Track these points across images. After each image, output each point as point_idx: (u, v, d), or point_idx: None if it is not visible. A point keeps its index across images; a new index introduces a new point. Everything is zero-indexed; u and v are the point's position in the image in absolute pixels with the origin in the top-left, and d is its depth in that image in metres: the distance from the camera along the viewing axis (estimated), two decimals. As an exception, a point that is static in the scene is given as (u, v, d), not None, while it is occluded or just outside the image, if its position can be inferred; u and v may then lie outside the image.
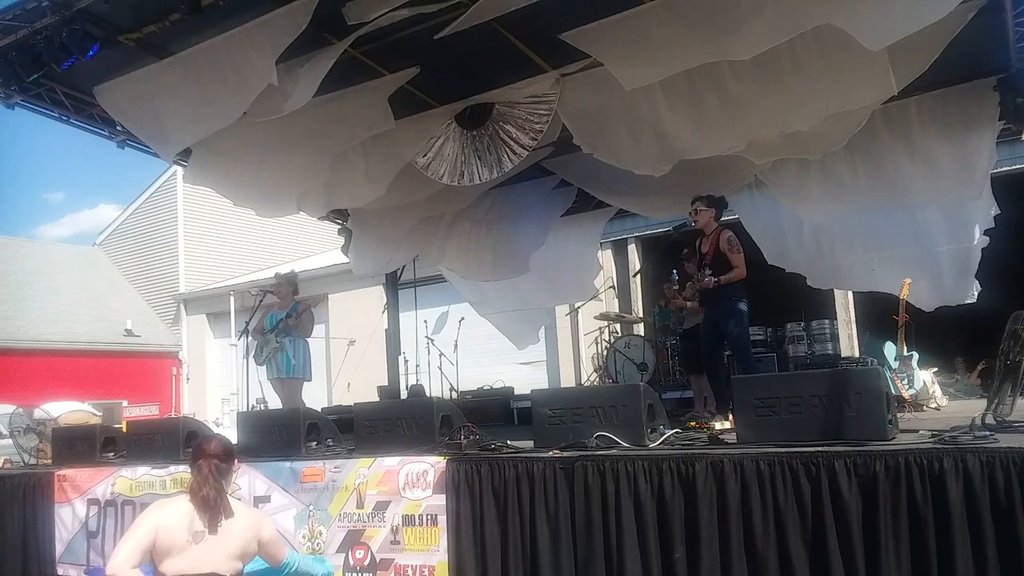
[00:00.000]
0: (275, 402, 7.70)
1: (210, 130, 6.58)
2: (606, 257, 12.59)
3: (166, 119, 6.76)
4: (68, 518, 5.86)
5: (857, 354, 10.84)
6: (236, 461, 3.90)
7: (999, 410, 3.68)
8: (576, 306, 10.25)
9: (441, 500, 4.34)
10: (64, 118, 7.39)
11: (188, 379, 19.64)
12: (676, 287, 8.03)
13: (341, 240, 10.36)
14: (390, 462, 4.58)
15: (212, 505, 3.43)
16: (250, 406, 14.54)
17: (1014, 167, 8.21)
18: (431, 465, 4.43)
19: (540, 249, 9.61)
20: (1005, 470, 2.96)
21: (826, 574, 3.28)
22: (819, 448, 3.41)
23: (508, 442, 4.60)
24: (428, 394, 10.60)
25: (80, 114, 7.51)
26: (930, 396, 6.16)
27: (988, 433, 3.27)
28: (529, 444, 4.55)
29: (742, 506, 3.49)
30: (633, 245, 13.25)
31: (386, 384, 11.47)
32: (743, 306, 5.88)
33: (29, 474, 6.27)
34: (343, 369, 15.27)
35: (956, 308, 7.48)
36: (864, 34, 5.17)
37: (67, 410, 7.60)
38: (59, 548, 5.90)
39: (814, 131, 6.59)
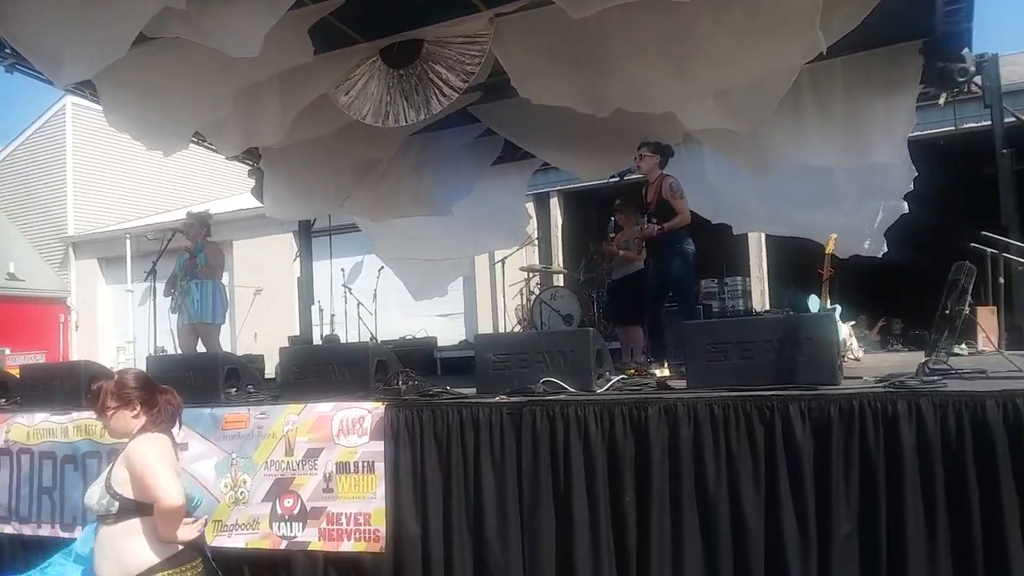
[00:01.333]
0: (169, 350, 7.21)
1: (109, 57, 6.02)
2: (528, 210, 12.48)
3: (63, 42, 6.15)
4: (-46, 468, 5.35)
5: (769, 308, 11.18)
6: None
7: (939, 356, 3.76)
8: (500, 257, 10.10)
9: (379, 447, 4.15)
10: (-56, 39, 6.63)
11: (77, 326, 18.46)
12: (612, 234, 7.99)
13: (247, 183, 9.80)
14: (322, 408, 4.34)
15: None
16: (147, 357, 13.93)
17: (929, 131, 8.49)
18: (368, 411, 4.23)
19: (467, 198, 9.42)
20: (957, 413, 3.01)
21: (777, 518, 3.29)
22: (774, 392, 3.40)
23: (449, 388, 4.44)
24: (344, 344, 10.31)
25: (-43, 32, 6.76)
26: (848, 348, 6.35)
27: (937, 378, 3.32)
28: (467, 392, 4.41)
29: (694, 450, 3.45)
30: (556, 199, 13.18)
31: (297, 334, 11.09)
32: (689, 247, 5.88)
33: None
34: (249, 319, 14.65)
35: (859, 267, 7.75)
36: None
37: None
38: (-54, 499, 5.39)
39: (743, 98, 6.64)
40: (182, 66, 6.78)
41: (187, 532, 3.31)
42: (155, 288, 6.91)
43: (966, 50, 6.90)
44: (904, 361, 5.81)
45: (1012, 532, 2.85)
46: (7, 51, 6.95)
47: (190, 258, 6.84)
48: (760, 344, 3.65)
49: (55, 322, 18.19)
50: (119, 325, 17.93)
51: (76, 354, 17.93)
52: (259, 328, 14.10)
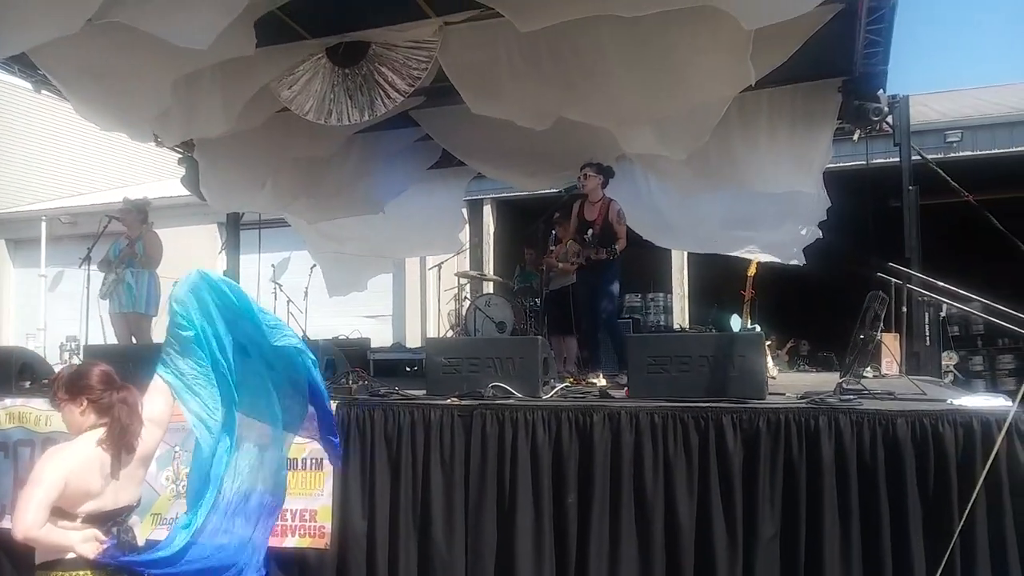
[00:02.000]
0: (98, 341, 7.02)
1: (50, 34, 5.87)
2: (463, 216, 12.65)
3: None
4: None
5: (688, 325, 11.66)
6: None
7: (852, 378, 4.14)
8: (436, 263, 10.22)
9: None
10: None
11: (-20, 311, 17.54)
12: (553, 244, 8.21)
13: (164, 169, 9.61)
14: (272, 404, 4.40)
15: (120, 441, 2.95)
16: (60, 344, 13.34)
17: (843, 164, 9.08)
18: (318, 409, 4.31)
19: (403, 200, 9.51)
20: (871, 430, 3.37)
21: (707, 520, 3.58)
22: (708, 404, 3.69)
23: (398, 389, 4.57)
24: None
25: None
26: (766, 366, 6.78)
27: (852, 397, 3.68)
28: (417, 393, 4.56)
29: (634, 456, 3.71)
30: (489, 206, 13.38)
31: (222, 328, 10.90)
32: (616, 287, 6.22)
33: None
34: (165, 312, 14.27)
35: (770, 290, 8.21)
36: (742, 10, 5.52)
37: None
38: None
39: (678, 126, 7.01)
40: (122, 50, 6.66)
41: (86, 548, 2.88)
42: (89, 275, 6.73)
43: (881, 91, 7.41)
44: (817, 381, 6.24)
45: (915, 538, 3.21)
46: (-67, 21, 6.69)
47: (128, 246, 6.71)
48: (696, 359, 3.95)
49: (-45, 304, 17.26)
50: (28, 311, 17.11)
51: (-24, 339, 17.03)
52: (178, 321, 13.75)
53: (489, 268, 12.70)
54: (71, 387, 3.08)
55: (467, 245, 12.68)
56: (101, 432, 2.94)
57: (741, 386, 3.85)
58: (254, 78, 6.90)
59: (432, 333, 13.16)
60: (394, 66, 7.04)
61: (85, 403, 3.02)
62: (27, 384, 5.22)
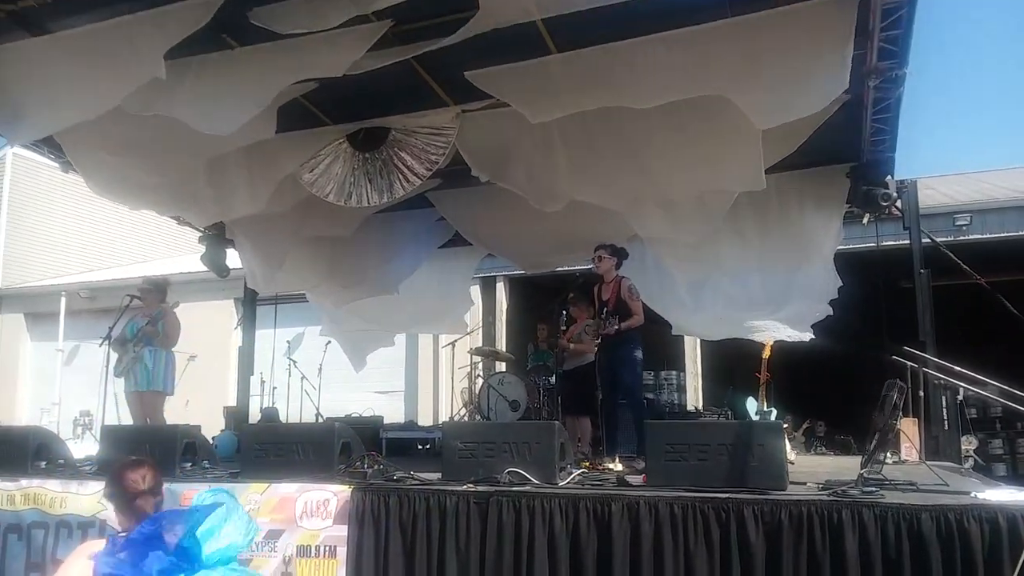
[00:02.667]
0: (111, 419, 7.04)
1: (76, 119, 6.11)
2: (474, 293, 12.72)
3: (29, 102, 6.22)
4: None
5: (702, 405, 11.57)
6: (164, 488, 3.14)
7: (873, 467, 4.10)
8: (449, 341, 10.26)
9: (342, 531, 4.21)
10: (-99, 87, 6.58)
11: (-7, 384, 17.60)
12: (563, 327, 8.25)
13: (181, 245, 9.83)
14: (287, 489, 4.39)
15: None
16: (73, 419, 13.36)
17: (853, 246, 9.16)
18: (334, 494, 4.30)
19: (413, 277, 9.62)
20: (895, 525, 3.32)
21: (730, 615, 3.49)
22: (729, 495, 3.65)
23: (413, 473, 4.55)
24: (284, 419, 10.20)
25: (-78, 82, 6.76)
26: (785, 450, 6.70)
27: (875, 489, 3.64)
28: (427, 476, 4.54)
29: (654, 547, 3.65)
30: (502, 283, 13.49)
31: (233, 404, 10.90)
32: (639, 354, 6.20)
33: None
34: (182, 385, 14.20)
35: (785, 370, 8.14)
36: (754, 112, 5.68)
37: None
38: None
39: (688, 211, 7.15)
40: (151, 137, 6.90)
41: None
42: (108, 353, 6.80)
43: (889, 176, 7.52)
44: (835, 465, 6.19)
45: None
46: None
47: (149, 324, 6.80)
48: (715, 447, 3.92)
49: (-30, 378, 17.33)
50: (43, 385, 17.16)
51: (-10, 413, 17.03)
52: (192, 396, 13.76)
53: (502, 345, 12.72)
54: (105, 488, 3.05)
55: (480, 323, 12.76)
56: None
57: (762, 476, 3.81)
58: (281, 163, 7.10)
59: (444, 410, 13.12)
60: (413, 151, 7.27)
61: (112, 505, 2.99)
62: (43, 464, 5.23)
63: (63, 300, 16.83)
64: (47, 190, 18.37)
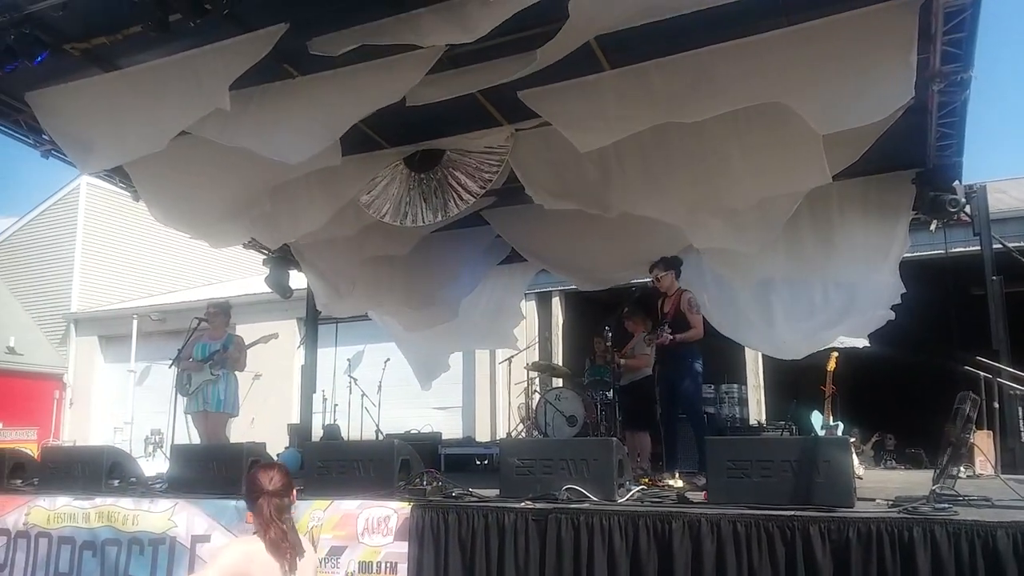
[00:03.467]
0: (181, 437, 7.25)
1: (144, 150, 6.35)
2: (530, 308, 12.76)
3: (98, 134, 6.49)
4: (-32, 549, 5.36)
5: (765, 419, 11.33)
6: (294, 492, 3.29)
7: (945, 483, 3.95)
8: (506, 356, 10.31)
9: (403, 548, 4.25)
10: (-13, 121, 6.96)
11: (71, 404, 18.34)
12: (608, 343, 8.21)
13: (247, 267, 10.10)
14: (348, 505, 4.45)
15: (281, 547, 3.02)
16: (144, 438, 13.83)
17: (921, 253, 8.88)
18: (394, 511, 4.34)
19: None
20: (970, 543, 3.19)
21: (797, 636, 3.40)
22: (794, 512, 3.57)
23: (471, 490, 4.57)
24: (345, 435, 10.36)
25: (6, 119, 7.10)
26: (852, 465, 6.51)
27: (947, 505, 3.51)
28: (485, 492, 4.55)
29: (716, 566, 3.58)
30: (557, 298, 13.49)
31: (297, 422, 11.12)
32: (698, 366, 6.11)
33: (-76, 500, 5.69)
34: (247, 404, 14.61)
35: (852, 382, 7.93)
36: (814, 119, 5.57)
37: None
38: (-48, 582, 5.37)
39: (750, 219, 7.02)
40: (218, 163, 7.13)
41: None
42: (178, 374, 7.05)
43: (957, 182, 7.27)
44: (906, 480, 5.99)
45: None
46: (45, 137, 7.31)
47: (224, 350, 7.05)
48: (779, 464, 3.83)
49: (49, 398, 18.08)
50: (115, 404, 17.83)
51: (67, 432, 17.75)
52: (257, 414, 14.10)
53: (558, 360, 12.70)
54: (245, 489, 3.26)
55: (536, 339, 12.76)
56: (258, 536, 3.06)
57: (828, 493, 3.71)
58: (343, 187, 7.25)
59: (501, 426, 13.14)
60: (467, 170, 7.34)
61: (251, 503, 3.19)
62: (116, 483, 5.42)
63: (135, 323, 17.47)
64: (118, 217, 19.13)
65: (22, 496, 5.42)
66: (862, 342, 8.21)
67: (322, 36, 5.63)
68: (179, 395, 7.22)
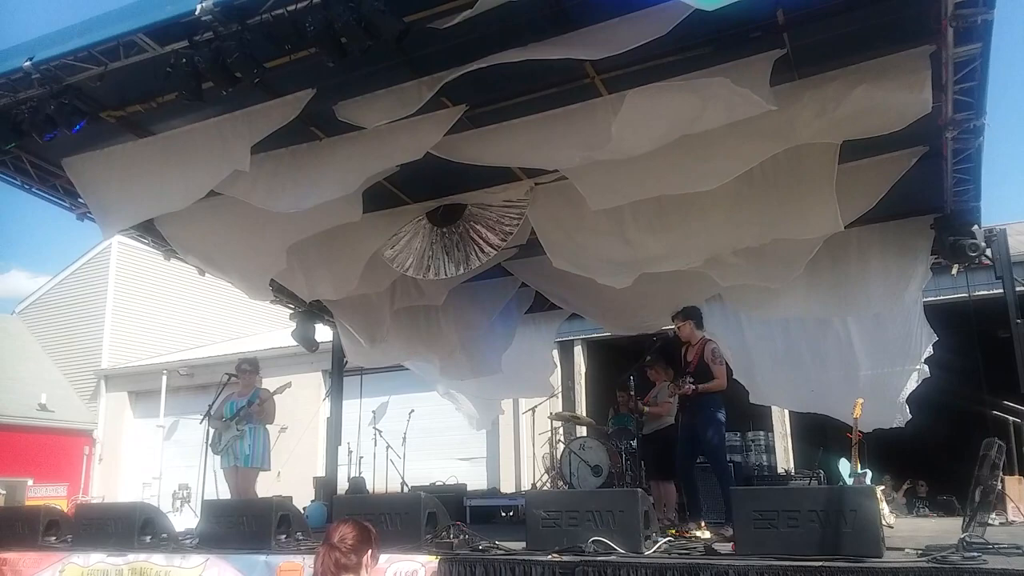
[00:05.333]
0: (203, 492, 7.33)
1: (167, 209, 6.56)
2: (553, 357, 12.78)
3: (126, 196, 6.71)
4: (3, 608, 5.44)
5: (793, 467, 11.19)
6: (371, 554, 3.01)
7: (975, 531, 3.92)
8: (530, 406, 10.36)
9: (428, 601, 4.27)
10: (27, 187, 7.20)
11: (101, 459, 18.53)
12: (632, 392, 8.23)
13: (272, 321, 10.29)
14: (377, 560, 4.48)
15: None
16: (172, 492, 13.89)
17: (944, 297, 8.85)
18: (422, 565, 4.37)
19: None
20: (1000, 591, 3.17)
21: None
22: (822, 563, 3.56)
23: (497, 543, 4.59)
24: (371, 488, 10.38)
25: (44, 184, 7.36)
26: (881, 514, 6.42)
27: (977, 554, 3.49)
28: (511, 544, 4.56)
29: (746, 618, 3.57)
30: (580, 347, 13.53)
31: (322, 475, 11.16)
32: (721, 416, 6.12)
33: (-39, 557, 5.79)
34: (273, 457, 14.75)
35: (883, 431, 7.86)
36: (827, 136, 5.67)
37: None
38: (-12, 641, 5.44)
39: (770, 257, 7.07)
40: (241, 219, 7.35)
41: None
42: (208, 430, 7.17)
43: (976, 226, 7.29)
44: (937, 529, 5.91)
45: None
46: (80, 201, 7.58)
47: (248, 405, 7.16)
48: (805, 513, 3.83)
49: (79, 454, 18.30)
50: (144, 459, 17.99)
51: (96, 487, 17.89)
52: (283, 467, 14.17)
53: (582, 409, 12.69)
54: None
55: (559, 387, 12.77)
56: None
57: (856, 543, 3.70)
58: (366, 243, 7.42)
59: (526, 476, 13.08)
60: (488, 223, 7.50)
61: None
62: (148, 539, 5.49)
63: (164, 378, 17.72)
64: (147, 275, 19.57)
65: (57, 553, 5.50)
66: (901, 421, 8.09)
67: (348, 101, 5.86)
68: (212, 452, 7.32)
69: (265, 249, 7.56)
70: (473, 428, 10.91)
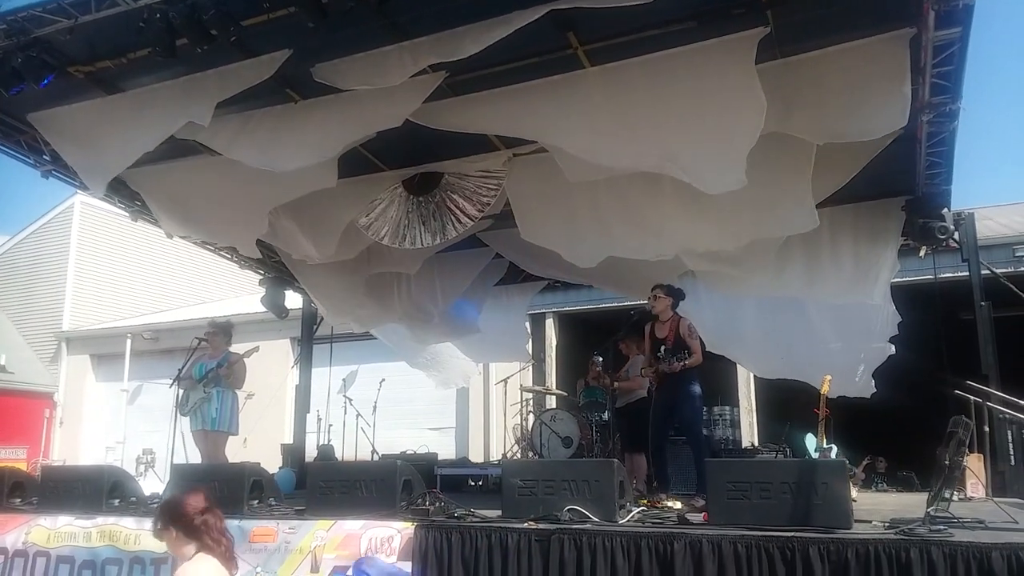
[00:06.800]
0: (172, 457, 7.25)
1: (132, 158, 6.40)
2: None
3: (104, 152, 6.57)
4: (-36, 569, 5.35)
5: (758, 441, 11.40)
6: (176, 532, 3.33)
7: (939, 506, 4.04)
8: (503, 377, 10.38)
9: (406, 567, 4.30)
10: (-11, 143, 7.02)
11: (62, 423, 18.22)
12: (599, 368, 8.30)
13: (240, 287, 10.19)
14: (352, 526, 4.50)
15: (231, 558, 3.25)
16: (136, 457, 13.75)
17: (910, 279, 9.02)
18: (398, 531, 4.39)
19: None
20: (965, 563, 3.28)
21: (796, 657, 3.46)
22: (793, 533, 3.64)
23: (473, 511, 4.62)
24: (340, 456, 10.36)
25: (7, 139, 7.26)
26: (846, 487, 6.58)
27: (943, 527, 3.59)
28: (485, 512, 4.60)
29: (718, 586, 3.65)
30: (551, 319, 13.57)
31: (290, 442, 11.11)
32: (698, 390, 6.19)
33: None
34: (241, 424, 14.62)
35: (843, 406, 8.03)
36: (807, 134, 5.71)
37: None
38: (-54, 603, 5.36)
39: (739, 254, 7.14)
40: (218, 182, 7.24)
41: None
42: (178, 393, 7.08)
43: (945, 209, 7.42)
44: (898, 503, 6.07)
45: None
46: (45, 157, 7.39)
47: (217, 367, 7.07)
48: (778, 485, 3.91)
49: (39, 417, 17.95)
50: (107, 423, 17.73)
51: (57, 451, 17.61)
52: (249, 434, 14.06)
53: (552, 382, 12.75)
54: (162, 518, 3.35)
55: (531, 361, 12.82)
56: (208, 560, 3.19)
57: (826, 514, 3.79)
58: (342, 211, 7.33)
59: (495, 447, 13.16)
60: (465, 193, 7.46)
61: (174, 532, 3.28)
62: (117, 502, 5.43)
63: (128, 341, 17.41)
64: (111, 236, 19.15)
65: (22, 515, 5.43)
66: (870, 391, 8.30)
67: (326, 63, 5.75)
68: (179, 415, 7.23)
69: (245, 212, 7.46)
70: (443, 388, 11.01)
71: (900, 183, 7.32)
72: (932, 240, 7.43)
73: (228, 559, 3.24)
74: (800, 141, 5.80)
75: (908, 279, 8.97)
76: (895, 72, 5.17)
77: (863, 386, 8.40)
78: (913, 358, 8.73)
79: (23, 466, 13.56)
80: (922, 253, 8.25)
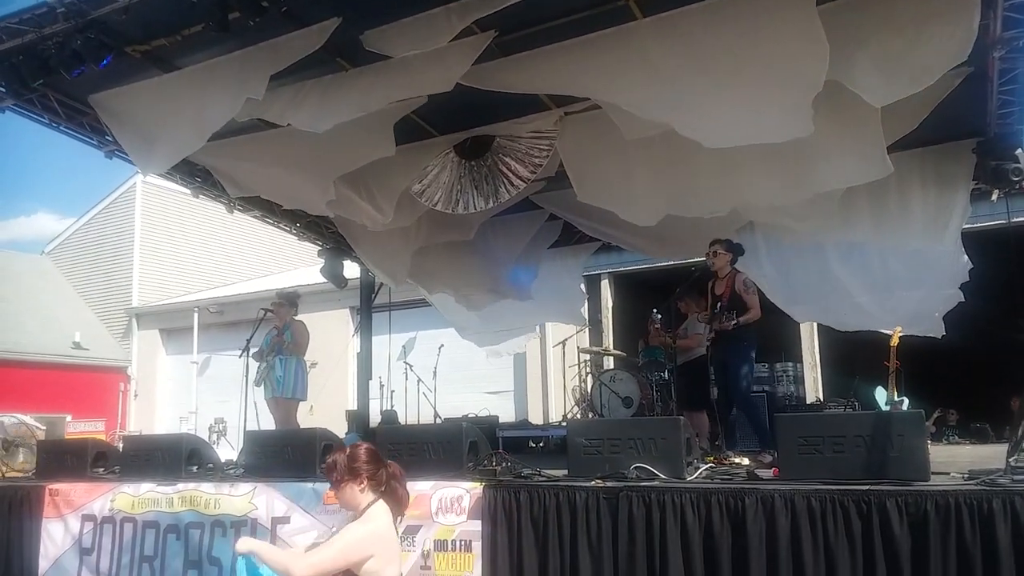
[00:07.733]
0: (244, 425, 7.46)
1: (188, 145, 6.48)
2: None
3: (159, 133, 6.66)
4: (58, 534, 5.63)
5: (823, 397, 11.21)
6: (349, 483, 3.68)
7: (1020, 456, 3.90)
8: (561, 339, 10.43)
9: (476, 526, 4.35)
10: (55, 125, 7.15)
11: (136, 395, 18.99)
12: (658, 326, 8.21)
13: (301, 259, 10.31)
14: (422, 486, 4.57)
15: (403, 503, 3.68)
16: (208, 426, 14.24)
17: (982, 224, 8.69)
18: (466, 491, 4.45)
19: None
20: (1052, 513, 3.16)
21: (876, 610, 3.41)
22: (870, 486, 3.57)
23: (540, 470, 4.65)
24: (403, 420, 10.55)
25: (71, 121, 7.33)
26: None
27: (1025, 478, 3.48)
28: (552, 472, 4.62)
29: (792, 542, 3.61)
30: (606, 281, 13.50)
31: (354, 408, 11.34)
32: (752, 352, 6.14)
33: (15, 487, 5.99)
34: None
35: (913, 358, 7.81)
36: (867, 91, 5.47)
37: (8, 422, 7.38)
38: (43, 565, 5.65)
39: (800, 208, 6.93)
40: (282, 156, 7.31)
41: None
42: (248, 363, 7.29)
43: (1019, 150, 7.11)
44: (975, 455, 5.92)
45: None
46: (108, 138, 7.56)
47: (278, 335, 7.23)
48: (851, 439, 3.83)
49: (115, 391, 18.75)
50: (179, 395, 18.41)
51: (133, 422, 18.38)
52: (315, 401, 14.44)
53: (609, 342, 12.73)
54: (350, 469, 3.61)
55: (587, 323, 12.81)
56: (384, 506, 3.56)
57: (903, 467, 3.70)
58: (397, 177, 7.34)
59: (554, 409, 13.25)
60: (517, 155, 7.38)
61: (364, 481, 3.59)
62: (195, 468, 5.63)
63: (195, 315, 17.98)
64: (174, 213, 19.68)
65: (106, 483, 5.66)
66: (940, 331, 8.05)
67: (374, 30, 5.72)
68: (254, 385, 7.45)
69: (310, 183, 7.53)
70: (492, 360, 11.05)
71: (971, 125, 7.03)
72: (1005, 183, 7.13)
73: (402, 504, 3.67)
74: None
75: (980, 224, 8.65)
76: (964, 4, 4.90)
77: (933, 327, 8.14)
78: (984, 306, 8.44)
79: (102, 438, 14.19)
80: (994, 197, 7.95)
